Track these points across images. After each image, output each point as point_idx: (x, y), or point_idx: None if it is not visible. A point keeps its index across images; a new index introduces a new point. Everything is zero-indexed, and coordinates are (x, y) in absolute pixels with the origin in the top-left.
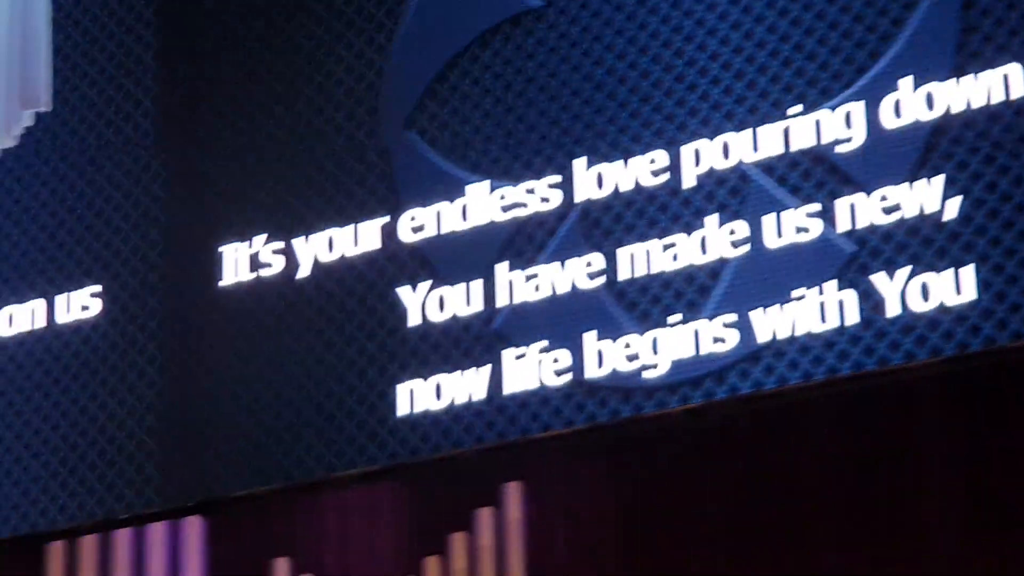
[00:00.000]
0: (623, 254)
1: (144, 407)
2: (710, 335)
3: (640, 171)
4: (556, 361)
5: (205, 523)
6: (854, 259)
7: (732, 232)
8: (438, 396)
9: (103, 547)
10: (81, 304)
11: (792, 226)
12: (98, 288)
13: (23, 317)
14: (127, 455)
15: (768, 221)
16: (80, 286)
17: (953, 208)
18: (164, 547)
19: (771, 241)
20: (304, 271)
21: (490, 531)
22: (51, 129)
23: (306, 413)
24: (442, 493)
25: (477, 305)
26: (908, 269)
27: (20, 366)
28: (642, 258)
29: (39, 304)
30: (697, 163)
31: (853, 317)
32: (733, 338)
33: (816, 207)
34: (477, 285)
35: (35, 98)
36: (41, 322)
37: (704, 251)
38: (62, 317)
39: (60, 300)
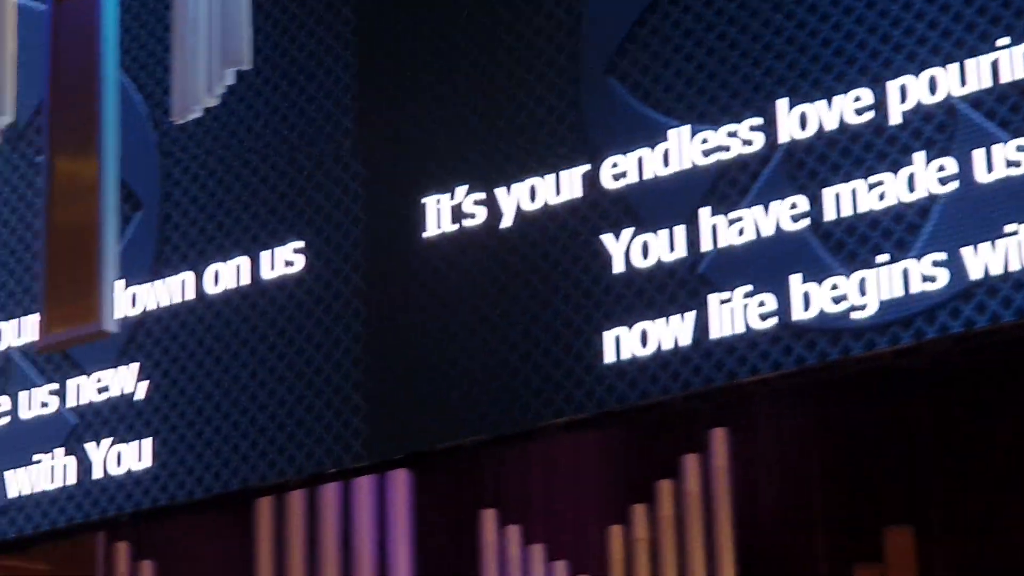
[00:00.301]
0: (828, 195)
1: (350, 361)
2: (919, 274)
3: (844, 109)
4: (762, 304)
5: (412, 476)
6: None
7: (940, 169)
8: (644, 343)
9: (311, 501)
10: (285, 260)
11: (1003, 160)
12: (301, 244)
13: (228, 275)
14: (334, 410)
15: (978, 156)
16: (283, 242)
17: None
18: (371, 500)
19: (981, 177)
20: (507, 221)
21: (697, 477)
22: (253, 86)
23: (512, 363)
24: (648, 440)
25: (681, 251)
26: None
27: (227, 323)
28: (848, 198)
29: (243, 261)
30: (903, 99)
31: None
32: (943, 276)
33: None
34: (680, 230)
35: (236, 56)
36: (246, 279)
37: (912, 189)
38: (266, 274)
39: (264, 256)
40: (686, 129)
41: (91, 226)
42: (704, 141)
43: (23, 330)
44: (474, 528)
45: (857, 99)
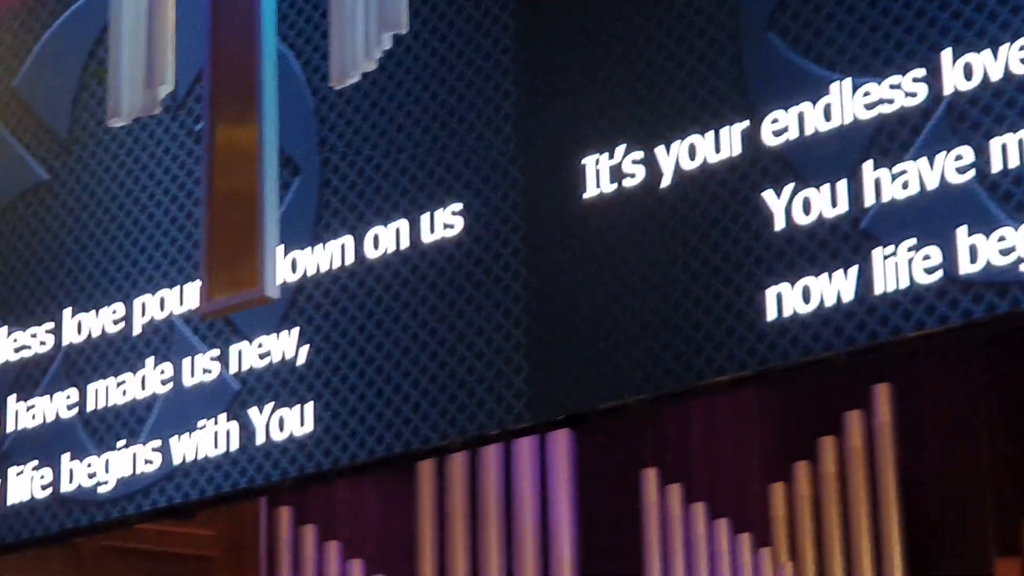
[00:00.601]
0: (994, 146)
1: (511, 323)
2: None
3: (1010, 59)
4: (927, 258)
5: (573, 436)
6: None
7: None
8: (806, 299)
9: (472, 463)
10: (444, 223)
11: None
12: (459, 206)
13: (388, 238)
14: (495, 371)
15: None
16: (442, 205)
17: None
18: (532, 461)
19: None
20: (666, 180)
21: (860, 434)
22: (411, 49)
23: (673, 322)
24: (811, 397)
25: (843, 206)
26: None
27: (387, 287)
28: (1015, 149)
29: (403, 224)
30: None
31: None
32: None
33: None
34: (842, 185)
35: (394, 20)
36: (405, 243)
37: None
38: (426, 237)
39: (423, 219)
40: (847, 82)
41: (251, 193)
42: (866, 94)
43: (185, 297)
44: (635, 487)
45: (1023, 48)
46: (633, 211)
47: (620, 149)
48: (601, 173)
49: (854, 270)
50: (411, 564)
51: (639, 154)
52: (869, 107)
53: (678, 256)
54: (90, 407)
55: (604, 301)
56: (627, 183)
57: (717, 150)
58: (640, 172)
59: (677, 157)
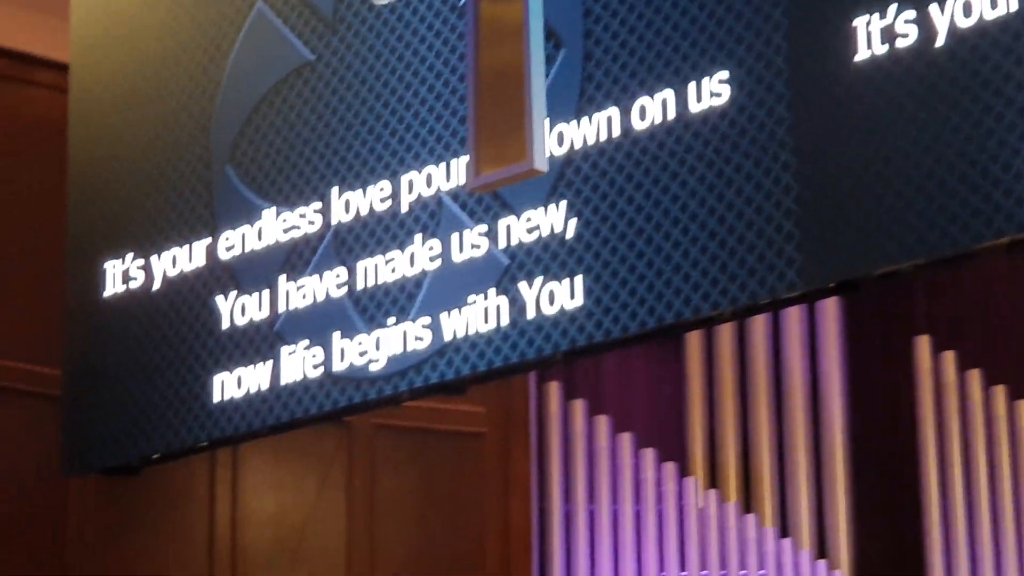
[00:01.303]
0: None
1: (780, 190)
2: None
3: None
4: None
5: (842, 303)
6: None
7: None
8: None
9: (740, 334)
10: (711, 91)
11: None
12: (725, 74)
13: (654, 109)
14: (766, 240)
15: None
16: (708, 74)
17: None
18: (802, 330)
19: None
20: (939, 40)
21: None
22: None
23: (949, 184)
24: None
25: None
26: None
27: (655, 158)
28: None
29: (668, 95)
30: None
31: None
32: None
33: None
34: None
35: None
36: (672, 113)
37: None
38: (692, 107)
39: (690, 89)
40: None
41: (517, 66)
42: None
43: (452, 173)
44: (908, 355)
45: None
46: (905, 73)
47: (892, 8)
48: (872, 34)
49: None
50: (681, 437)
51: (911, 13)
52: None
53: (949, 118)
54: (359, 285)
55: (876, 165)
56: (899, 44)
57: (993, 5)
58: (912, 32)
59: (952, 15)
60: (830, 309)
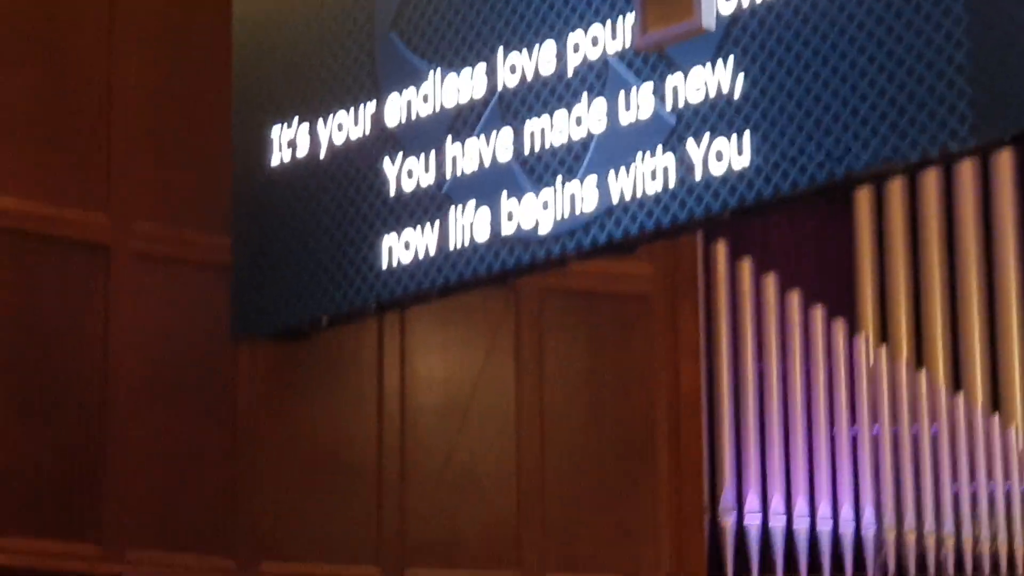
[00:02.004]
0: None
1: (952, 45)
2: None
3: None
4: None
5: (1016, 158)
6: None
7: None
8: None
9: (911, 190)
10: None
11: None
12: None
13: None
14: (937, 95)
15: None
16: None
17: None
18: (974, 185)
19: None
20: None
21: None
22: None
23: None
24: None
25: None
26: None
27: (824, 14)
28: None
29: None
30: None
31: None
32: None
33: None
34: None
35: None
36: None
37: None
38: None
39: None
40: None
41: None
42: None
43: (618, 33)
44: None
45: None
46: None
47: None
48: None
49: None
50: (851, 294)
51: None
52: None
53: None
54: (526, 148)
55: None
56: None
57: None
58: None
59: None
60: (1003, 162)
